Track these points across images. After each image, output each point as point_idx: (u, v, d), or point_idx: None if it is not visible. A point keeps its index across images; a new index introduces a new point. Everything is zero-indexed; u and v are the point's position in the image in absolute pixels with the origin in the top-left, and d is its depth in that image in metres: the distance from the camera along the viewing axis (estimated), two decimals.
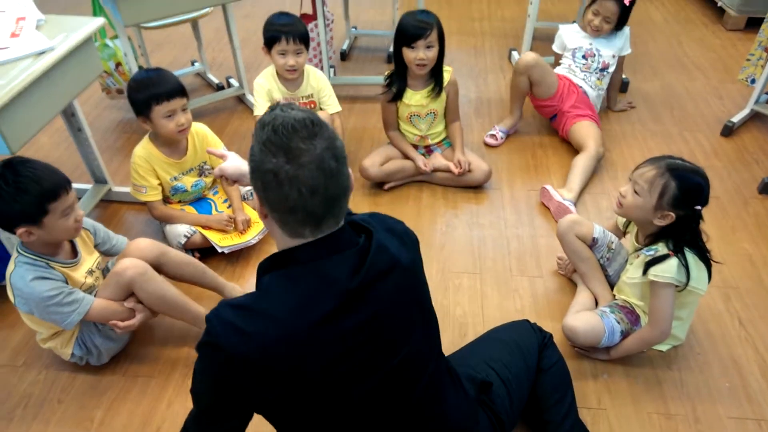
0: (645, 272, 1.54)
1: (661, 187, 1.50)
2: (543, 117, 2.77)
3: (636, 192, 1.56)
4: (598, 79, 2.65)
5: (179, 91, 1.94)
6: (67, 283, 1.58)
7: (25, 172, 1.43)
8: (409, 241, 1.11)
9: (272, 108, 0.97)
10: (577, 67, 2.66)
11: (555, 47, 2.79)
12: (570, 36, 2.69)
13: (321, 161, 0.92)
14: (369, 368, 1.01)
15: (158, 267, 1.76)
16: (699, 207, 1.52)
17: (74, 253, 1.67)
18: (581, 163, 2.40)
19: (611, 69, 2.65)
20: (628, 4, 2.49)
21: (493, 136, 2.68)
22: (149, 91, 1.90)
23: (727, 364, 1.72)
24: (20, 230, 1.46)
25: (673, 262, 1.52)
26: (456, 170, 2.34)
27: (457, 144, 2.41)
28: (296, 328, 0.94)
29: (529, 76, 2.55)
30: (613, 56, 2.63)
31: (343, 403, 1.02)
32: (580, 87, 2.62)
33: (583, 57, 2.64)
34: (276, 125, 0.92)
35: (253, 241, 2.12)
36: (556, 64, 2.78)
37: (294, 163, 0.91)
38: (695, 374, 1.70)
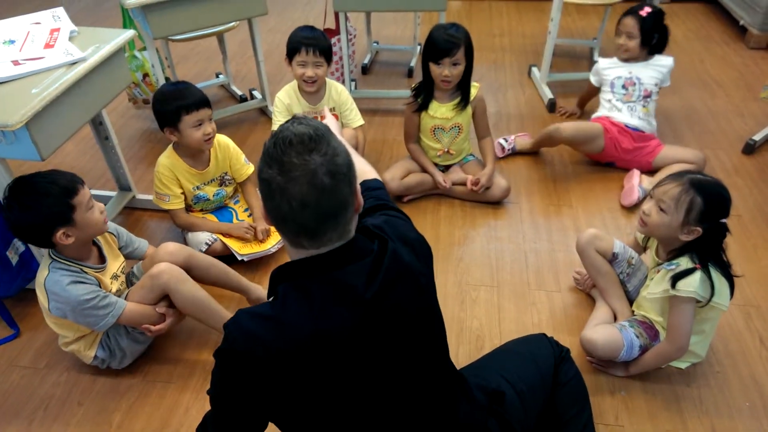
0: (674, 286, 1.53)
1: (688, 204, 1.50)
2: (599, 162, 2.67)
3: (662, 210, 1.55)
4: (644, 106, 2.53)
5: (206, 101, 1.99)
6: (100, 286, 1.62)
7: (37, 179, 1.50)
8: (420, 250, 1.12)
9: (289, 120, 1.00)
10: (618, 100, 2.55)
11: (593, 80, 2.71)
12: (608, 68, 2.60)
13: (313, 177, 0.92)
14: (381, 375, 1.03)
15: (186, 270, 1.79)
16: (724, 220, 1.51)
17: (102, 258, 1.71)
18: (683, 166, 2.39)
19: (654, 97, 2.54)
20: (645, 15, 2.45)
21: (501, 147, 2.68)
22: (179, 102, 1.95)
23: (747, 383, 1.70)
24: (58, 233, 1.50)
25: (696, 276, 1.51)
26: (470, 186, 2.35)
27: (489, 158, 2.41)
28: (313, 337, 0.95)
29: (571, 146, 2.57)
30: (656, 84, 2.53)
31: (355, 410, 1.03)
32: (626, 124, 2.51)
33: (623, 87, 2.55)
34: (278, 138, 0.95)
35: (273, 250, 2.15)
36: (587, 92, 2.76)
37: (285, 176, 0.92)
38: (714, 392, 1.67)
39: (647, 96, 2.54)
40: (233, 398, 1.02)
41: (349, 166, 0.98)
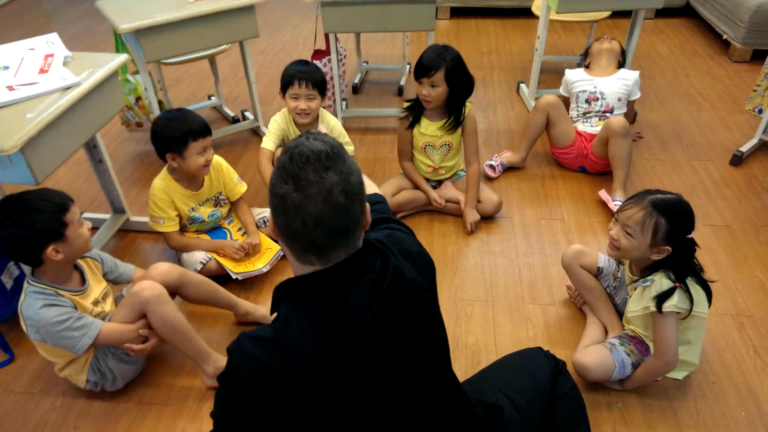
0: (660, 309, 1.53)
1: (653, 227, 1.53)
2: (569, 168, 2.73)
3: (629, 234, 1.58)
4: (600, 119, 2.61)
5: (209, 128, 2.03)
6: (76, 309, 1.62)
7: (28, 197, 1.52)
8: (423, 264, 1.11)
9: (302, 134, 0.99)
10: (578, 114, 2.66)
11: (561, 90, 2.79)
12: (576, 80, 2.68)
13: (329, 194, 0.92)
14: (383, 392, 1.03)
15: (179, 288, 1.81)
16: (690, 235, 1.55)
17: (82, 281, 1.70)
18: (613, 152, 2.43)
19: (618, 112, 2.61)
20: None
21: (492, 167, 2.70)
22: (185, 128, 1.97)
23: (743, 393, 1.71)
24: (49, 249, 1.51)
25: (675, 292, 1.53)
26: (468, 228, 2.36)
27: (470, 194, 2.38)
28: (314, 359, 0.95)
29: (548, 114, 2.59)
30: (619, 99, 2.60)
31: (358, 428, 1.03)
32: (590, 132, 2.61)
33: (587, 101, 2.63)
34: (294, 153, 0.94)
35: (264, 270, 2.15)
36: (564, 103, 2.81)
37: (301, 192, 0.92)
38: (711, 403, 1.68)
39: (608, 111, 2.61)
40: (236, 421, 1.01)
41: (361, 184, 0.99)
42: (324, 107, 2.49)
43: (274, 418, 0.98)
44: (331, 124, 2.40)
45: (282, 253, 2.22)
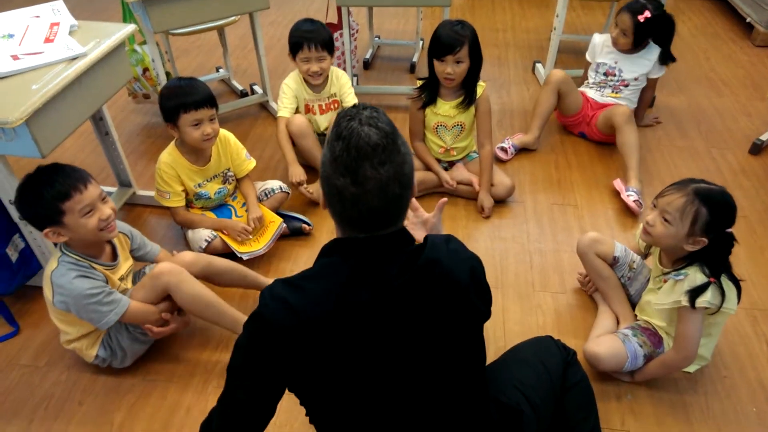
0: (693, 304, 1.49)
1: (693, 215, 1.48)
2: (571, 133, 2.78)
3: (667, 221, 1.53)
4: (614, 92, 2.62)
5: (207, 101, 1.96)
6: (107, 283, 1.61)
7: (42, 177, 1.50)
8: (469, 264, 1.10)
9: (352, 114, 0.99)
10: (594, 82, 2.68)
11: (588, 55, 2.76)
12: (600, 48, 2.67)
13: (386, 187, 0.96)
14: (397, 364, 1.03)
15: (205, 278, 1.82)
16: (729, 229, 1.49)
17: (114, 256, 1.70)
18: (621, 141, 2.46)
19: (633, 87, 2.60)
20: (642, 20, 2.44)
21: (504, 150, 2.65)
22: (178, 100, 1.93)
23: (754, 388, 1.68)
24: (46, 231, 1.51)
25: (709, 288, 1.49)
26: (483, 213, 2.33)
27: (484, 178, 2.34)
28: (337, 308, 0.98)
29: (558, 89, 2.59)
30: (636, 78, 2.57)
31: (370, 393, 1.04)
32: (598, 101, 2.65)
33: (604, 74, 2.64)
34: (351, 144, 0.95)
35: (262, 251, 2.12)
36: (586, 69, 2.77)
37: (359, 186, 0.96)
38: (721, 397, 1.66)
39: (624, 85, 2.61)
40: (252, 368, 1.03)
41: (412, 167, 1.03)
42: None
43: (290, 367, 1.00)
44: (338, 75, 2.46)
45: (284, 225, 2.22)
